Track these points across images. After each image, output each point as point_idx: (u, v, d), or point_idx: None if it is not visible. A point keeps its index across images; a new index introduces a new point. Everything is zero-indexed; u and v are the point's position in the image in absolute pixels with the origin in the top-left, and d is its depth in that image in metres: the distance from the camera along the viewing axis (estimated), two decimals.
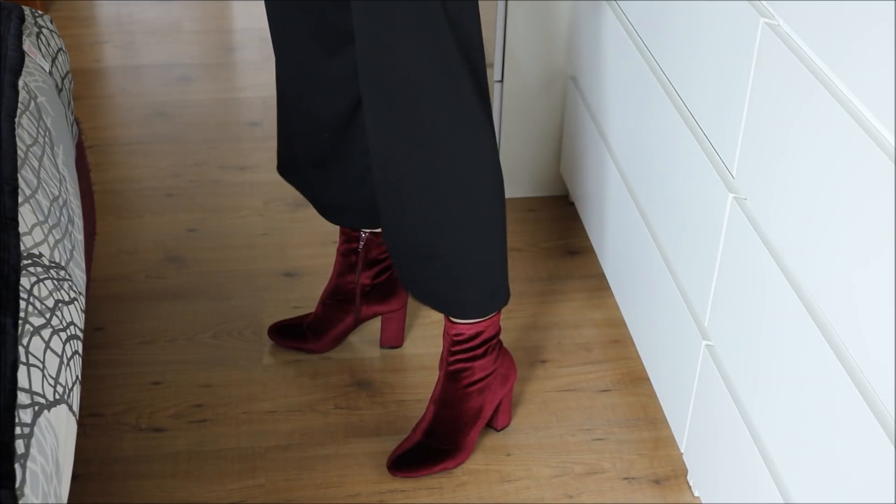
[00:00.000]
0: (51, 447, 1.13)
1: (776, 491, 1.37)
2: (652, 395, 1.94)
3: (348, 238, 1.93)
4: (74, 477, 1.75)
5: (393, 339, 2.02)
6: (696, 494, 1.75)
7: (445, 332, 1.76)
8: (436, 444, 1.78)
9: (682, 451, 1.73)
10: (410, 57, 1.50)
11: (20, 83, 1.60)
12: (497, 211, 1.65)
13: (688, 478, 1.78)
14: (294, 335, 2.01)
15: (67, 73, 1.87)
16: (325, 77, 1.72)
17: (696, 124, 1.59)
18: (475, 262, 1.67)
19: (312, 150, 1.82)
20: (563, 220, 2.39)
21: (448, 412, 1.78)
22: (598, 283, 2.20)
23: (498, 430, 1.86)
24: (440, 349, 2.02)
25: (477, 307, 1.71)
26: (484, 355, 1.76)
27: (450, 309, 1.71)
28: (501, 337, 2.06)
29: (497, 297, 1.72)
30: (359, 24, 1.51)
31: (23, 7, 1.83)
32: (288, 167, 1.88)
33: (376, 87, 1.54)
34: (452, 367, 1.76)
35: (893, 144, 1.08)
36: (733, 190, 1.46)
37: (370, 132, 1.60)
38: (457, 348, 1.75)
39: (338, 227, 2.33)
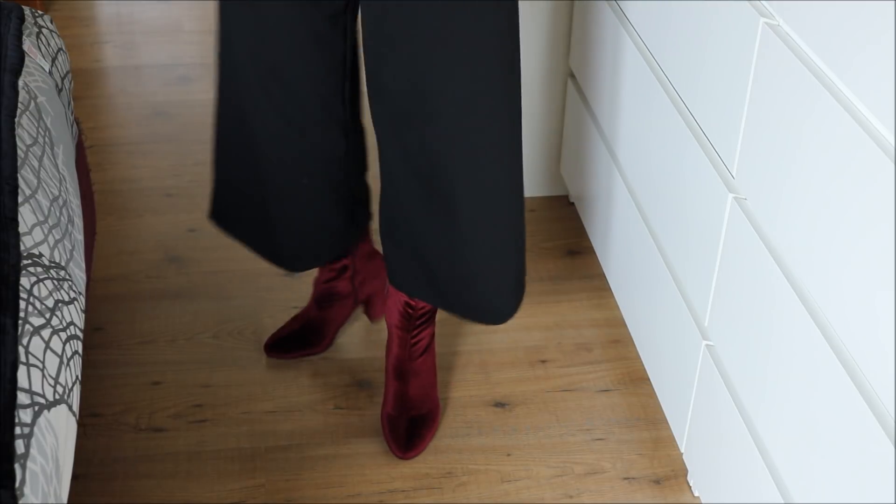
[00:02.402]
0: (51, 447, 1.13)
1: (776, 491, 1.37)
2: (652, 395, 1.94)
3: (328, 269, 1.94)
4: (74, 477, 1.75)
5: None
6: (696, 494, 1.75)
7: (402, 323, 1.81)
8: (418, 412, 1.83)
9: (683, 451, 1.73)
10: (480, 66, 1.48)
11: (20, 83, 1.60)
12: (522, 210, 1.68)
13: (688, 478, 1.78)
14: (296, 345, 2.00)
15: (67, 72, 1.87)
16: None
17: (696, 124, 1.59)
18: (507, 266, 1.68)
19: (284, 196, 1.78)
20: (563, 220, 2.39)
21: (421, 379, 1.85)
22: (598, 283, 2.20)
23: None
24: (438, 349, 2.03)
25: (512, 306, 1.72)
26: (428, 313, 1.82)
27: (491, 317, 1.73)
28: (500, 337, 2.06)
29: (521, 287, 1.74)
30: (406, 34, 1.46)
31: (23, 7, 1.83)
32: (228, 214, 1.84)
33: (419, 104, 1.51)
34: (417, 344, 1.83)
35: (893, 144, 1.08)
36: (733, 190, 1.46)
37: (393, 160, 1.59)
38: (419, 321, 1.81)
39: None
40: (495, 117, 1.53)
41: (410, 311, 1.80)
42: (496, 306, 1.70)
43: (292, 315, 2.10)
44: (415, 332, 1.83)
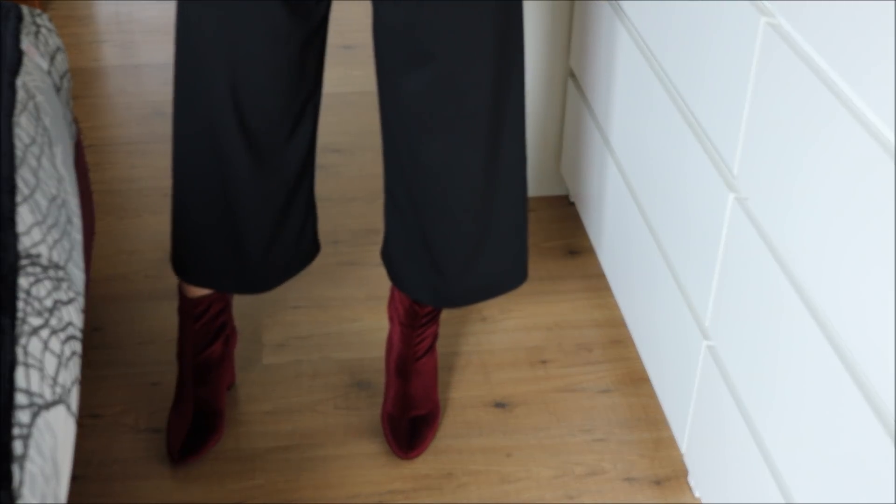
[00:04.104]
0: (49, 448, 1.13)
1: (777, 491, 1.37)
2: (652, 396, 1.93)
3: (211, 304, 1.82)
4: (73, 477, 1.75)
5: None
6: (697, 495, 1.75)
7: (408, 320, 1.82)
8: (419, 411, 1.83)
9: (683, 451, 1.72)
10: (514, 58, 1.55)
11: (18, 82, 1.60)
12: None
13: (688, 478, 1.77)
14: (201, 438, 1.80)
15: (66, 72, 1.87)
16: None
17: (696, 123, 1.59)
18: (521, 231, 1.72)
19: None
20: (563, 220, 2.39)
21: (423, 379, 1.85)
22: (598, 283, 2.20)
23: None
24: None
25: (524, 268, 1.76)
26: (433, 311, 1.84)
27: (502, 287, 1.76)
28: (500, 337, 2.06)
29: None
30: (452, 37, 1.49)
31: (21, 6, 1.82)
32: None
33: (449, 102, 1.54)
34: (421, 342, 1.84)
35: (894, 143, 1.08)
36: (734, 189, 1.46)
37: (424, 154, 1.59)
38: (424, 320, 1.82)
39: (336, 228, 2.32)
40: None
41: (418, 307, 1.80)
42: (512, 270, 1.74)
43: (291, 316, 2.09)
44: (419, 329, 1.83)
